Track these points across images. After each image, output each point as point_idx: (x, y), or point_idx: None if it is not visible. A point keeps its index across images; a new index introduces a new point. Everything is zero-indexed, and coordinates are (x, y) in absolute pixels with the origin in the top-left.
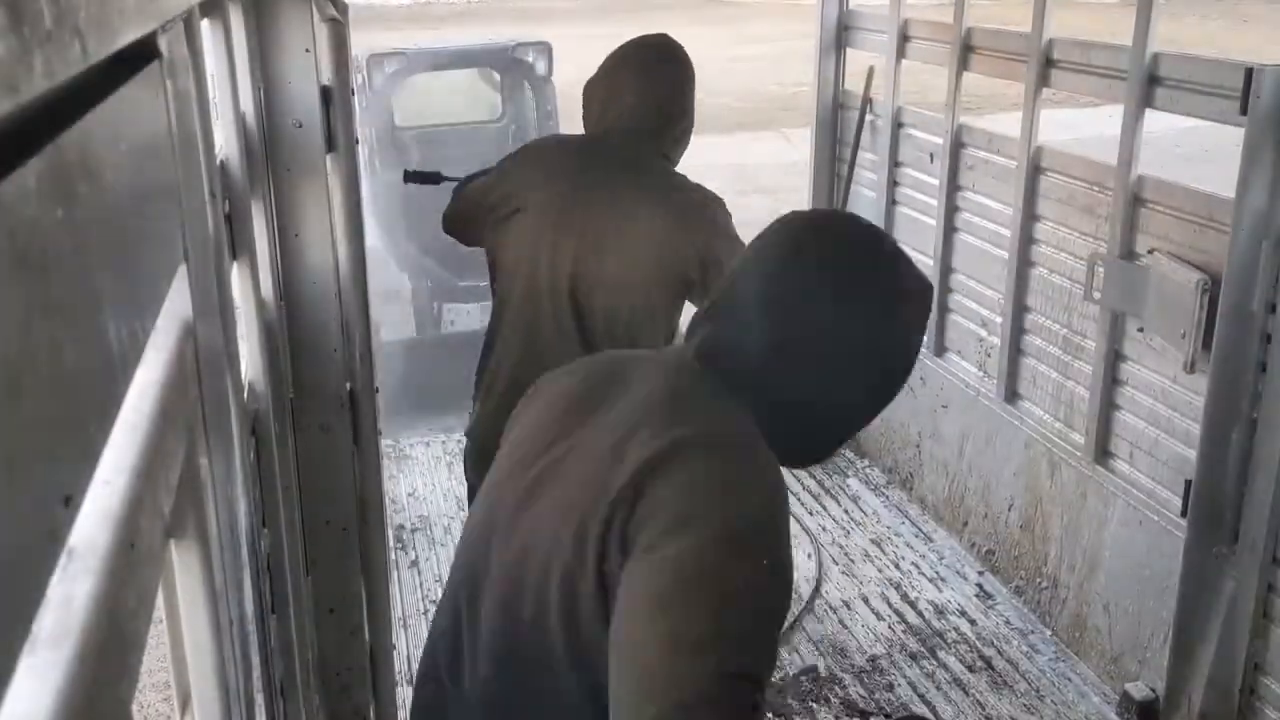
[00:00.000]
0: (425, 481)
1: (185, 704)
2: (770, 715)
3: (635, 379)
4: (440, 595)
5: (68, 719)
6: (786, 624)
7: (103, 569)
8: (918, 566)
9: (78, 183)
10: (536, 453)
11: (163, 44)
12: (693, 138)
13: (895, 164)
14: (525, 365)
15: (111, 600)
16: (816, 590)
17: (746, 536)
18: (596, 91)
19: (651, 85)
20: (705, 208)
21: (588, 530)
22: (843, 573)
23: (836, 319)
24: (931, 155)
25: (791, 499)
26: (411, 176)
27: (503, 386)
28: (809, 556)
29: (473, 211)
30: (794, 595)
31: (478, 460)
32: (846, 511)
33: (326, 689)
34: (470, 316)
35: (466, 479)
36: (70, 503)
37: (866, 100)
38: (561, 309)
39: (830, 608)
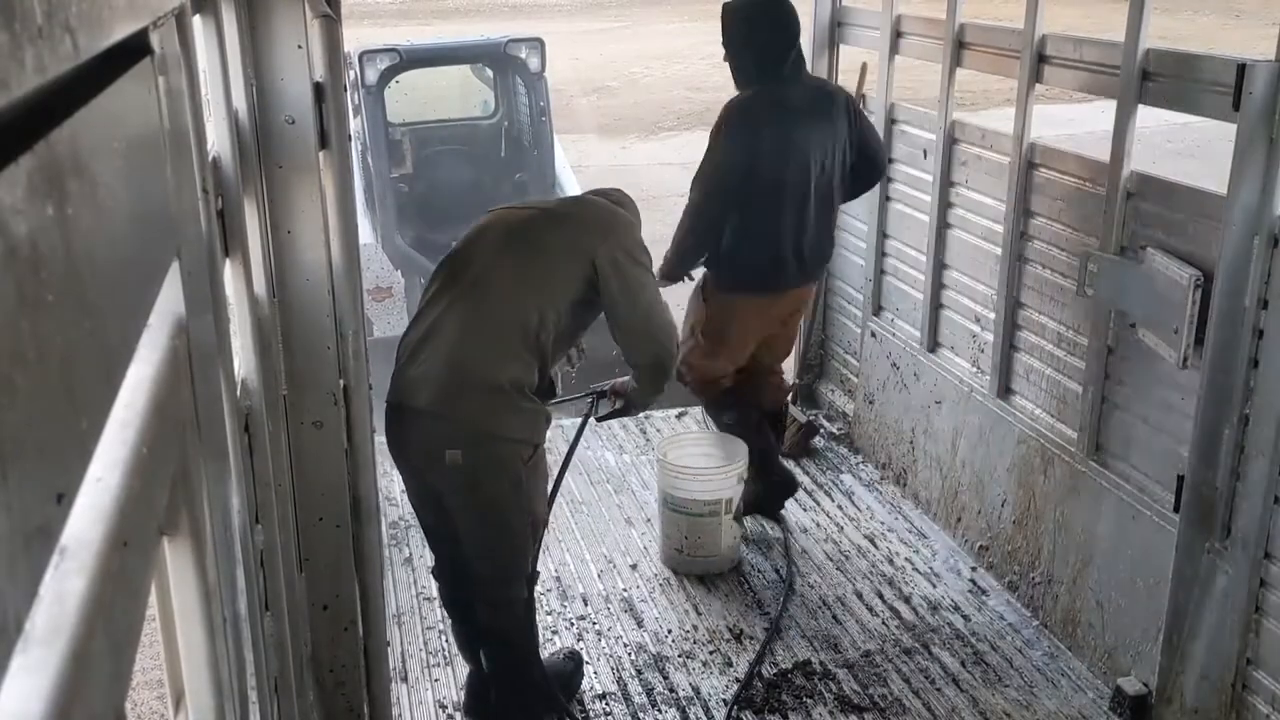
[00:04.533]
0: None
1: (179, 701)
2: (767, 715)
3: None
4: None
5: (60, 717)
6: (770, 628)
7: (95, 566)
8: (911, 562)
9: (69, 179)
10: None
11: (154, 40)
12: (684, 134)
13: (888, 160)
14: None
15: (104, 598)
16: (790, 589)
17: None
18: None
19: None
20: (612, 223)
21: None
22: (837, 569)
23: None
24: (925, 151)
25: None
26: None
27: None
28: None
29: None
30: (774, 597)
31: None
32: (840, 508)
33: (320, 686)
34: None
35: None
36: (63, 500)
37: (860, 96)
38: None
39: (824, 603)
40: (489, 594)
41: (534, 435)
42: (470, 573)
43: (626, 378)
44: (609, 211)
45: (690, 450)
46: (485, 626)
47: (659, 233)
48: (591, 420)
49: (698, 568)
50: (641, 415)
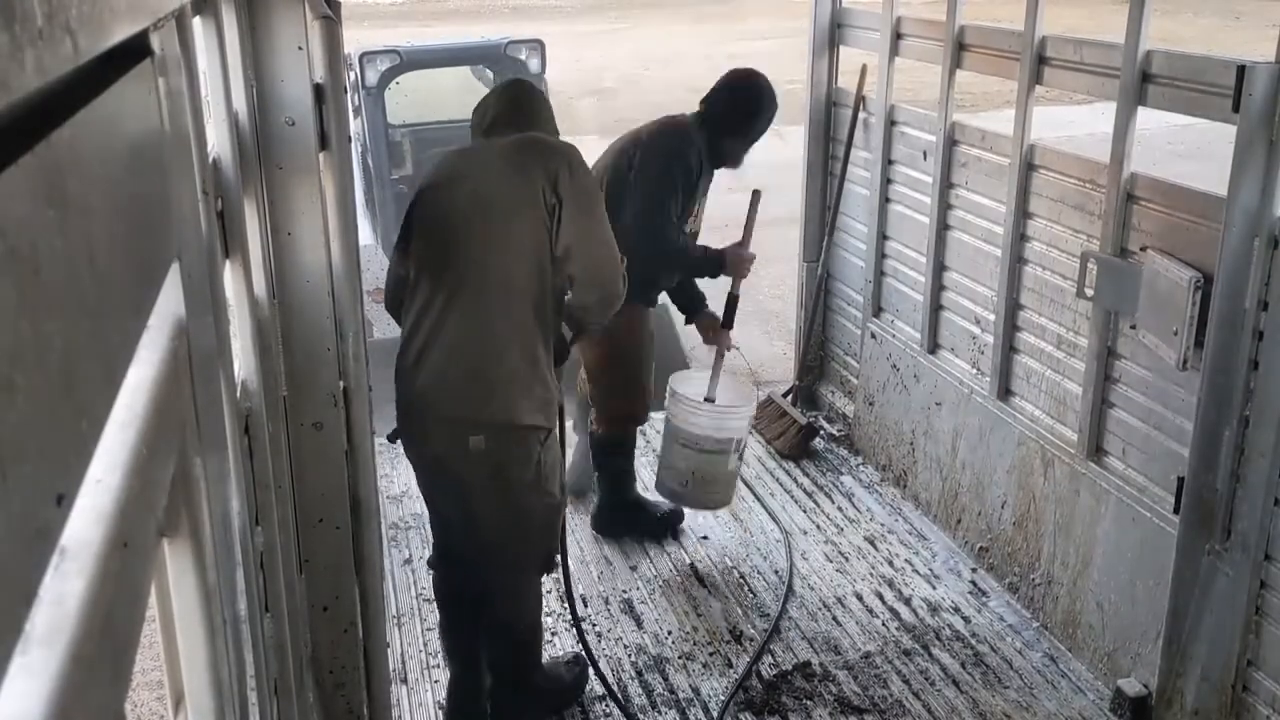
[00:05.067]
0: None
1: (179, 703)
2: None
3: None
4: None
5: (60, 719)
6: (769, 626)
7: (95, 568)
8: (911, 564)
9: (69, 181)
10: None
11: (155, 41)
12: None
13: (888, 162)
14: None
15: (104, 599)
16: (790, 590)
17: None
18: (474, 116)
19: (511, 99)
20: (555, 147)
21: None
22: (837, 570)
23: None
24: (925, 153)
25: (786, 496)
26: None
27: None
28: (782, 545)
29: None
30: (774, 599)
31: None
32: (840, 509)
33: (320, 687)
34: None
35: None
36: (62, 501)
37: (860, 98)
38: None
39: (824, 604)
40: (505, 581)
41: (548, 420)
42: (487, 562)
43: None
44: (546, 150)
45: (699, 388)
46: (495, 619)
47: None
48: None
49: (697, 504)
50: None
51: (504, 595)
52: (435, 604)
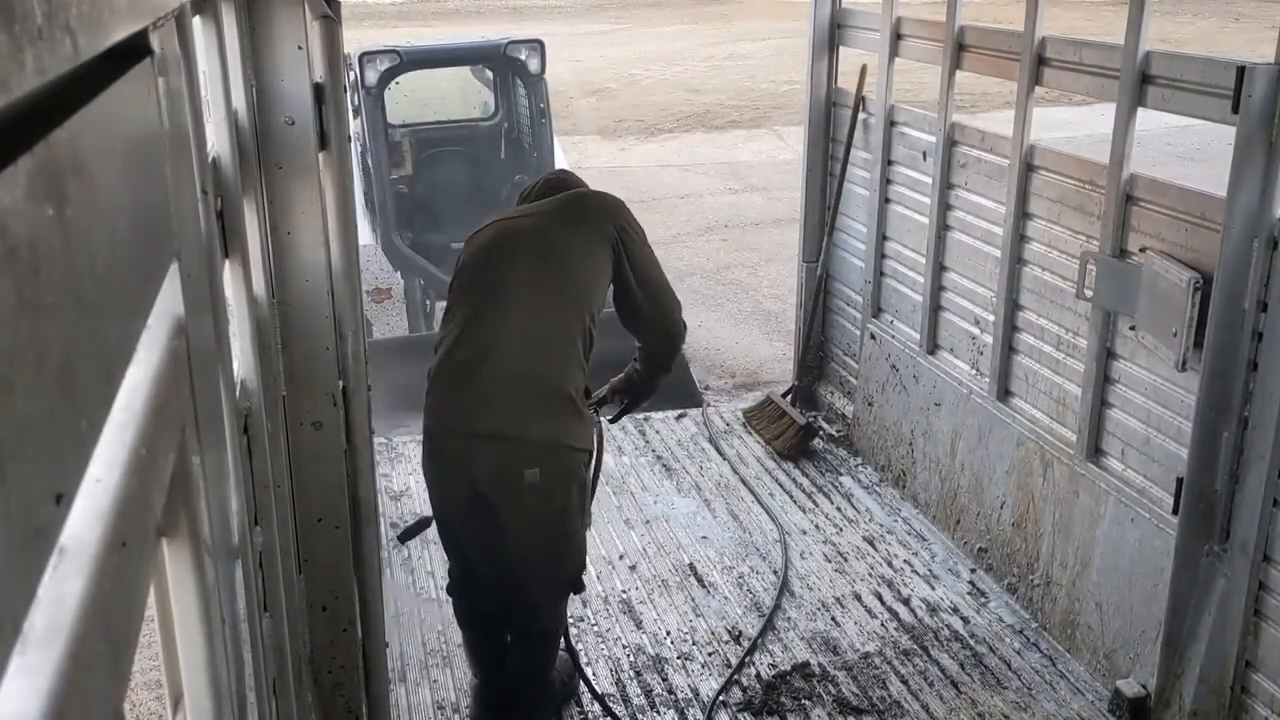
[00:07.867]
0: (417, 480)
1: (177, 703)
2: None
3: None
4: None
5: (59, 718)
6: (757, 629)
7: (94, 567)
8: (910, 564)
9: (69, 180)
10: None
11: (154, 41)
12: (683, 135)
13: (888, 162)
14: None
15: (103, 599)
16: (786, 588)
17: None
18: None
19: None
20: (610, 201)
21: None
22: (835, 570)
23: None
24: (924, 153)
25: (785, 496)
26: (406, 535)
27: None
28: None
29: None
30: (772, 599)
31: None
32: (839, 509)
33: (319, 687)
34: None
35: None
36: (61, 500)
37: (859, 98)
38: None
39: (823, 605)
40: (542, 599)
41: (592, 443)
42: (522, 583)
43: (620, 375)
44: (603, 196)
45: None
46: (531, 632)
47: (658, 234)
48: (605, 424)
49: None
50: (641, 417)
51: (542, 613)
52: (458, 626)
